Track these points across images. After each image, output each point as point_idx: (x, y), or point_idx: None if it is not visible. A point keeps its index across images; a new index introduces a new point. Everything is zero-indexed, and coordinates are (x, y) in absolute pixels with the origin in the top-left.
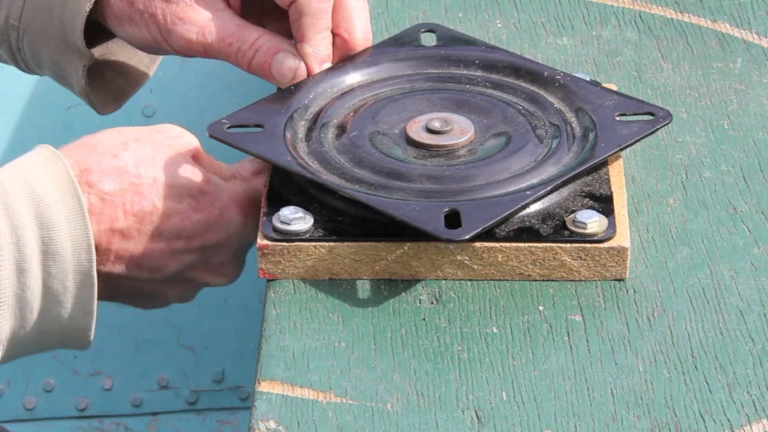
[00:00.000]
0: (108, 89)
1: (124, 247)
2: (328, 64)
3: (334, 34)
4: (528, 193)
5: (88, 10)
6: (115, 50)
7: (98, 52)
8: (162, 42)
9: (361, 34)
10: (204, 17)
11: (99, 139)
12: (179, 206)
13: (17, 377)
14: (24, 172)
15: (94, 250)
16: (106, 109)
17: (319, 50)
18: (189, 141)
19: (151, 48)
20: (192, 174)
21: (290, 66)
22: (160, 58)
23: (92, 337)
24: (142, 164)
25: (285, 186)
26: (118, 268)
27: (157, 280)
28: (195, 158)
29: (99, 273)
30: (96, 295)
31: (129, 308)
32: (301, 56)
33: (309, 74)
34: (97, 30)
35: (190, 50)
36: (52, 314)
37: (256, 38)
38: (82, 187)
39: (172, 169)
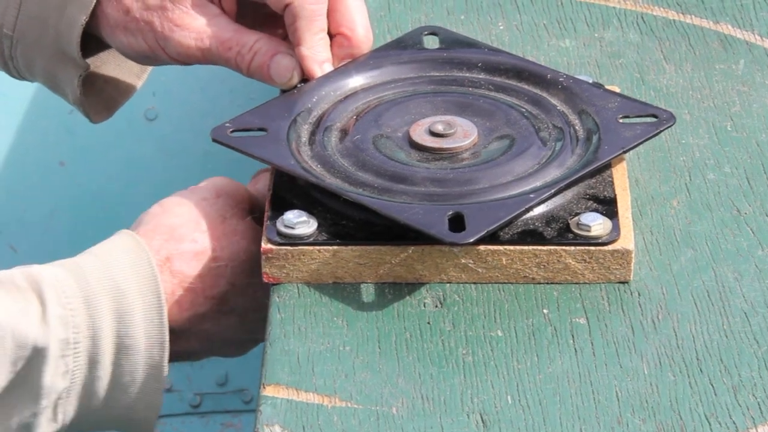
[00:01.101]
0: (100, 98)
1: (203, 327)
2: (328, 66)
3: (335, 34)
4: (532, 196)
5: (85, 21)
6: (106, 60)
7: (91, 62)
8: (158, 50)
9: (363, 31)
10: (201, 23)
11: (174, 223)
12: (254, 280)
13: None
14: (108, 263)
15: (167, 346)
16: (98, 118)
17: (316, 52)
18: (244, 195)
19: (147, 57)
20: (257, 242)
21: (287, 66)
22: (149, 68)
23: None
24: (217, 244)
25: (289, 190)
26: (190, 345)
27: (219, 348)
28: (250, 210)
29: (171, 351)
30: (163, 390)
31: None
32: (300, 59)
33: (310, 77)
34: (89, 39)
35: (187, 57)
36: (116, 403)
37: (254, 41)
38: (164, 275)
39: (243, 242)
